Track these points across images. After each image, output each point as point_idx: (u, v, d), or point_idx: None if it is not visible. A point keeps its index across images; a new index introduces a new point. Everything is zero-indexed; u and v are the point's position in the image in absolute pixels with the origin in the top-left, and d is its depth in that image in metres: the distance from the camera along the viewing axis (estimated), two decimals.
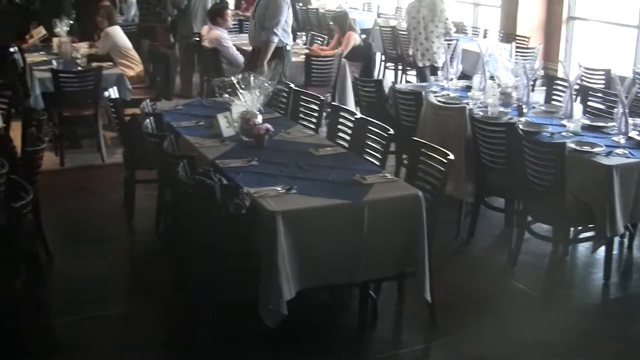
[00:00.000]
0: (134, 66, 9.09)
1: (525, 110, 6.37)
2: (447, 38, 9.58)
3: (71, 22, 9.72)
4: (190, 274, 4.94)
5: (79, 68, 8.42)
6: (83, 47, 9.45)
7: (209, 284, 4.43)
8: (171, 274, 5.35)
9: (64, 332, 4.84)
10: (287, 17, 8.40)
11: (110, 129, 8.68)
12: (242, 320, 4.55)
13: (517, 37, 11.30)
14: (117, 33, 9.15)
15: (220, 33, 9.41)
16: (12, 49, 9.19)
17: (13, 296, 4.36)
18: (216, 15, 9.55)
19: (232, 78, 5.52)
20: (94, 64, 8.52)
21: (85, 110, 8.02)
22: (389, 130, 5.33)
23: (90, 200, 7.06)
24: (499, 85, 6.65)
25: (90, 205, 6.94)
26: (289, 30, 8.57)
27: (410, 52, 10.06)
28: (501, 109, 6.40)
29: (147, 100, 6.35)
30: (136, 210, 6.46)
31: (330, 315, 5.08)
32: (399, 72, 12.21)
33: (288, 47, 8.59)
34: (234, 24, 11.53)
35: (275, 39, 8.29)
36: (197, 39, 10.43)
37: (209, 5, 10.80)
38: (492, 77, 6.83)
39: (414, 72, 10.50)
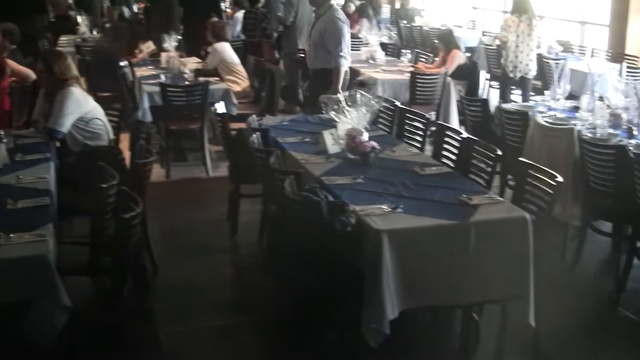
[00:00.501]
0: (240, 81, 9.26)
1: (635, 132, 6.22)
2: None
3: (179, 37, 9.98)
4: (293, 289, 5.01)
5: (187, 82, 8.62)
6: (191, 62, 9.69)
7: (312, 300, 4.49)
8: (273, 289, 5.41)
9: (167, 342, 4.94)
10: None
11: (215, 143, 8.89)
12: (343, 338, 4.58)
13: (626, 57, 11.05)
14: (225, 49, 9.35)
15: None
16: (122, 63, 9.48)
17: (120, 305, 4.49)
18: None
19: (339, 95, 5.57)
20: (201, 79, 8.74)
21: (192, 124, 8.23)
22: (496, 151, 5.30)
23: (195, 213, 7.22)
24: (608, 106, 6.53)
25: (194, 217, 7.09)
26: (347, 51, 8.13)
27: (502, 62, 10.31)
28: (610, 130, 6.27)
29: (253, 116, 6.48)
30: (240, 224, 6.57)
31: (432, 336, 5.06)
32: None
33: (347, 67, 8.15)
34: None
35: (344, 62, 7.95)
36: (302, 55, 10.57)
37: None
38: (601, 98, 6.71)
39: (518, 92, 10.46)
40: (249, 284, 5.86)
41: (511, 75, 10.06)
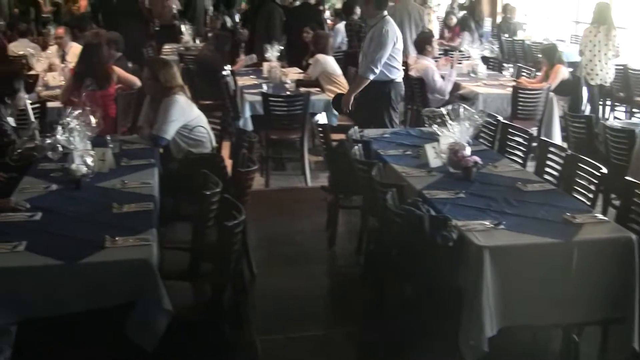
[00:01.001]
0: (341, 92, 9.29)
1: None
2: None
3: (281, 47, 10.08)
4: (391, 301, 5.00)
5: (288, 93, 8.70)
6: (292, 73, 9.79)
7: (409, 313, 4.47)
8: (371, 301, 5.41)
9: (263, 349, 5.00)
10: (394, 52, 7.76)
11: (314, 153, 8.95)
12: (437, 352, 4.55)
13: None
14: (327, 59, 9.41)
15: (427, 63, 9.47)
16: (224, 72, 9.65)
17: (221, 312, 4.55)
18: (424, 45, 9.61)
19: (442, 109, 5.55)
20: (303, 89, 8.81)
21: (292, 134, 8.31)
22: (602, 169, 5.19)
23: (293, 222, 7.28)
24: None
25: (293, 227, 7.15)
26: (396, 64, 7.88)
27: (583, 73, 10.40)
28: None
29: (355, 127, 6.50)
30: (338, 235, 6.60)
31: (531, 355, 4.98)
32: (607, 108, 11.82)
33: (397, 79, 7.96)
34: (439, 54, 11.59)
35: (370, 76, 7.70)
36: (403, 67, 10.55)
37: (414, 33, 10.92)
38: None
39: (622, 108, 10.35)
40: (346, 295, 5.87)
41: (592, 83, 10.33)
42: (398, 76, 7.93)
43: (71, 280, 3.90)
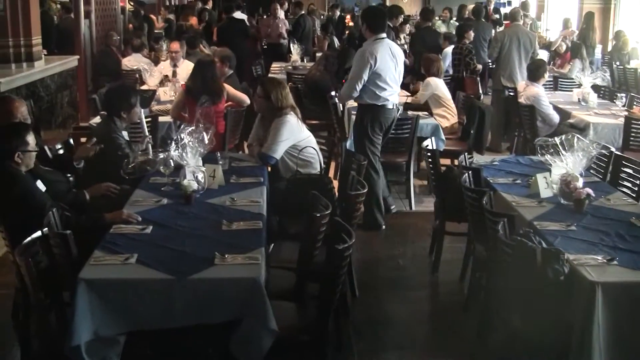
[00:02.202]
0: (449, 117, 9.24)
1: None
2: None
3: None
4: (495, 332, 4.92)
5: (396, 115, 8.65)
6: (400, 95, 9.74)
7: (516, 346, 4.38)
8: (474, 330, 5.33)
9: None
10: (374, 76, 7.41)
11: (419, 177, 8.91)
12: None
13: None
14: (437, 83, 9.36)
15: (538, 90, 9.31)
16: (332, 93, 9.69)
17: (325, 335, 4.54)
18: (535, 71, 9.45)
19: (556, 139, 5.44)
20: (410, 113, 8.79)
21: (399, 157, 8.28)
22: None
23: (397, 246, 7.25)
24: None
25: (396, 250, 7.13)
26: (377, 89, 7.47)
27: None
28: None
29: (465, 154, 6.45)
30: (442, 260, 6.54)
31: None
32: None
33: (378, 104, 7.53)
34: (549, 81, 11.41)
35: (344, 96, 7.75)
36: (512, 93, 10.43)
37: (523, 60, 10.76)
38: None
39: None
40: (448, 323, 5.79)
41: None
42: (378, 101, 7.53)
43: (181, 294, 3.97)
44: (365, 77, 7.39)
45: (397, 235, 7.54)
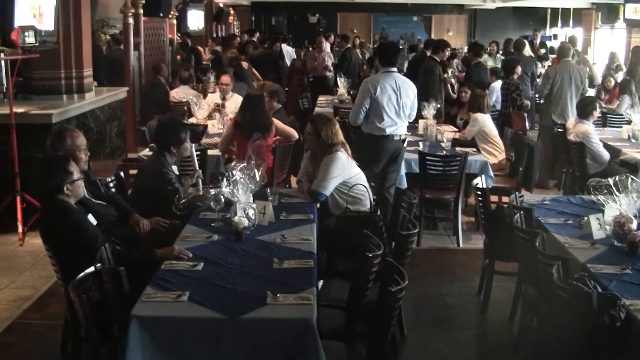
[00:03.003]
0: (497, 153, 9.19)
1: None
2: None
3: (438, 105, 10.07)
4: None
5: (444, 152, 8.66)
6: (447, 131, 9.74)
7: None
8: None
9: None
10: (375, 105, 8.02)
11: (467, 213, 8.86)
12: None
13: None
14: (485, 119, 9.33)
15: (588, 128, 9.22)
16: None
17: None
18: (586, 108, 9.36)
19: (609, 179, 5.38)
20: (458, 149, 8.77)
21: (447, 194, 8.26)
22: None
23: (444, 284, 7.19)
24: None
25: (443, 288, 7.07)
26: (376, 119, 8.06)
27: None
28: None
29: (516, 193, 6.40)
30: (490, 300, 6.47)
31: None
32: None
33: (375, 134, 8.10)
34: (598, 117, 11.29)
35: (351, 121, 8.43)
36: (560, 129, 10.35)
37: (574, 96, 10.68)
38: None
39: None
40: None
41: None
42: (377, 132, 8.10)
43: (232, 334, 3.96)
44: (367, 105, 8.04)
45: (444, 273, 7.49)
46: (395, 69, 8.25)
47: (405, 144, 8.47)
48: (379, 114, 8.02)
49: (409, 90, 8.22)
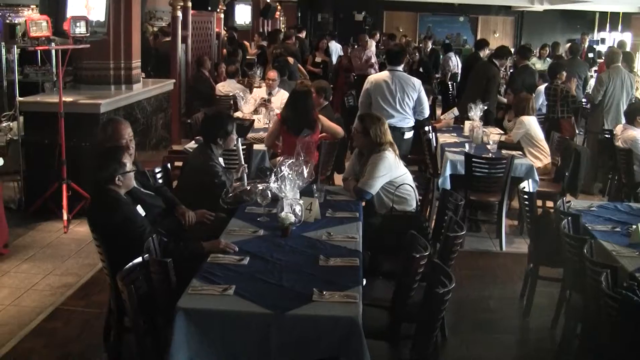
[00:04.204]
0: (543, 158, 9.09)
1: None
2: None
3: (485, 107, 9.99)
4: None
5: (490, 154, 8.60)
6: (493, 133, 9.66)
7: None
8: None
9: None
10: (374, 100, 9.24)
11: (510, 217, 8.79)
12: None
13: None
14: (531, 122, 9.24)
15: (636, 134, 9.09)
16: (427, 128, 9.66)
17: None
18: (634, 115, 9.25)
19: None
20: (504, 152, 8.71)
21: (492, 197, 8.21)
22: None
23: (486, 287, 7.14)
24: None
25: (485, 291, 7.02)
26: (381, 108, 9.07)
27: None
28: None
29: (563, 199, 6.34)
30: (533, 305, 6.42)
31: None
32: None
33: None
34: None
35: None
36: (607, 135, 10.23)
37: (625, 102, 10.55)
38: None
39: None
40: None
41: None
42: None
43: (278, 330, 3.97)
44: (366, 99, 9.31)
45: (487, 276, 7.44)
46: (399, 68, 9.41)
47: (448, 145, 8.76)
48: (377, 107, 9.09)
49: (408, 86, 9.20)
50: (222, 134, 6.43)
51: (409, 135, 9.32)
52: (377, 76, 9.61)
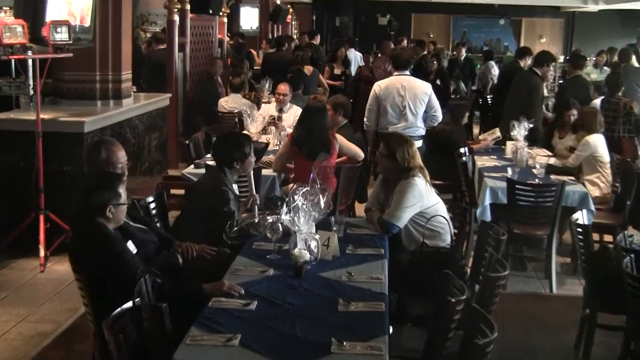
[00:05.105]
0: (602, 184, 9.03)
1: None
2: None
3: (530, 125, 9.92)
4: None
5: (537, 180, 8.56)
6: (540, 155, 9.61)
7: None
8: None
9: None
10: (381, 107, 10.07)
11: (561, 253, 8.73)
12: None
13: None
14: (599, 142, 9.15)
15: None
16: (462, 149, 9.64)
17: None
18: None
19: None
20: (553, 177, 8.66)
21: (539, 230, 8.17)
22: None
23: (535, 336, 7.07)
24: None
25: (534, 341, 6.95)
26: (381, 118, 10.13)
27: None
28: None
29: (625, 232, 6.30)
30: (591, 357, 6.36)
31: None
32: None
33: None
34: None
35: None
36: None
37: None
38: None
39: None
40: None
41: None
42: (381, 129, 10.05)
43: None
44: (374, 106, 10.12)
45: (534, 323, 7.37)
46: (407, 72, 10.28)
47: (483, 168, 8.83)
48: (386, 115, 10.00)
49: (416, 90, 10.02)
50: (239, 156, 6.46)
51: (418, 144, 9.38)
52: (386, 81, 10.31)
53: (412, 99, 9.96)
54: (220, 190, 6.30)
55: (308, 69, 14.00)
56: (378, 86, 10.20)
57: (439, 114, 10.14)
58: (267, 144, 9.71)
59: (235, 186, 6.56)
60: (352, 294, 4.92)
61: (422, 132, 10.10)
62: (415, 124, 10.01)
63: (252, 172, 6.72)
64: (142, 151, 10.57)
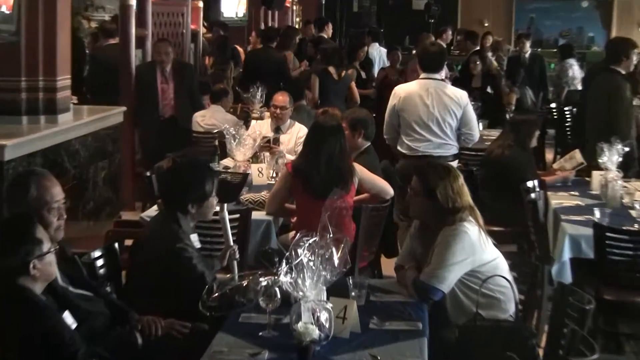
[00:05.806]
0: None
1: None
2: None
3: (627, 149, 9.88)
4: None
5: (637, 226, 8.54)
6: (635, 186, 9.56)
7: None
8: None
9: None
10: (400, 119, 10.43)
11: None
12: None
13: None
14: None
15: None
16: (530, 183, 9.58)
17: None
18: None
19: None
20: None
21: (639, 295, 8.10)
22: None
23: None
24: None
25: None
26: (403, 136, 10.47)
27: None
28: None
29: None
30: None
31: None
32: None
33: (402, 151, 10.46)
34: None
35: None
36: None
37: None
38: None
39: None
40: None
41: None
42: (406, 150, 10.41)
43: None
44: (393, 118, 10.50)
45: None
46: (437, 76, 10.56)
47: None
48: (406, 129, 10.37)
49: (446, 99, 10.28)
50: (195, 197, 6.44)
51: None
52: (406, 87, 10.70)
53: (441, 110, 10.22)
54: (174, 250, 6.30)
55: (336, 72, 13.89)
56: (396, 95, 10.48)
57: (476, 133, 10.42)
58: (246, 176, 9.48)
59: (194, 237, 6.56)
60: None
61: (456, 150, 10.46)
62: (448, 141, 10.32)
63: (226, 214, 6.69)
64: (85, 186, 10.59)
